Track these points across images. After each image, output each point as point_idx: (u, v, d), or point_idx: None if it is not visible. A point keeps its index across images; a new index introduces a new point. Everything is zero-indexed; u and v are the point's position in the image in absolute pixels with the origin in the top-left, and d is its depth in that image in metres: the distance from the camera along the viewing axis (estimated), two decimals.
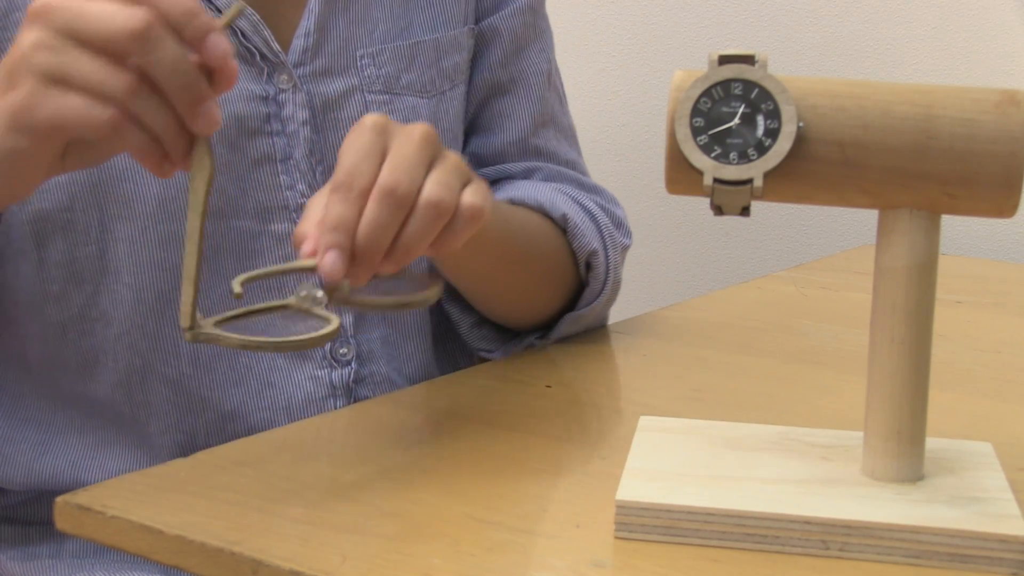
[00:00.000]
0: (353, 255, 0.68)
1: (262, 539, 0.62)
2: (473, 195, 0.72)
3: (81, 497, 0.66)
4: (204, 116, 0.64)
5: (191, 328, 0.67)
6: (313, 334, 0.68)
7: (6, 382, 0.90)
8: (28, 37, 0.63)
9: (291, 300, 0.71)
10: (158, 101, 0.63)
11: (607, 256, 0.96)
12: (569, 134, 1.07)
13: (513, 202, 0.95)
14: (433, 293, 0.74)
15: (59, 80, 0.63)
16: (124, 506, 0.65)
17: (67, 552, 0.89)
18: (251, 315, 0.72)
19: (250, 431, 0.88)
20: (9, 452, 0.89)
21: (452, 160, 0.72)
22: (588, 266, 0.96)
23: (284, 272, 0.76)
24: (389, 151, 0.70)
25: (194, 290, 0.67)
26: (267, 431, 0.78)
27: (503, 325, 0.99)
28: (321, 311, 0.70)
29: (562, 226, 0.95)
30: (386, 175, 0.69)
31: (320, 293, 0.70)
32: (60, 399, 0.89)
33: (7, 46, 0.84)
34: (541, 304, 0.96)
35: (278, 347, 0.67)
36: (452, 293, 0.98)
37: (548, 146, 1.03)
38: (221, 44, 0.64)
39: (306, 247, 0.69)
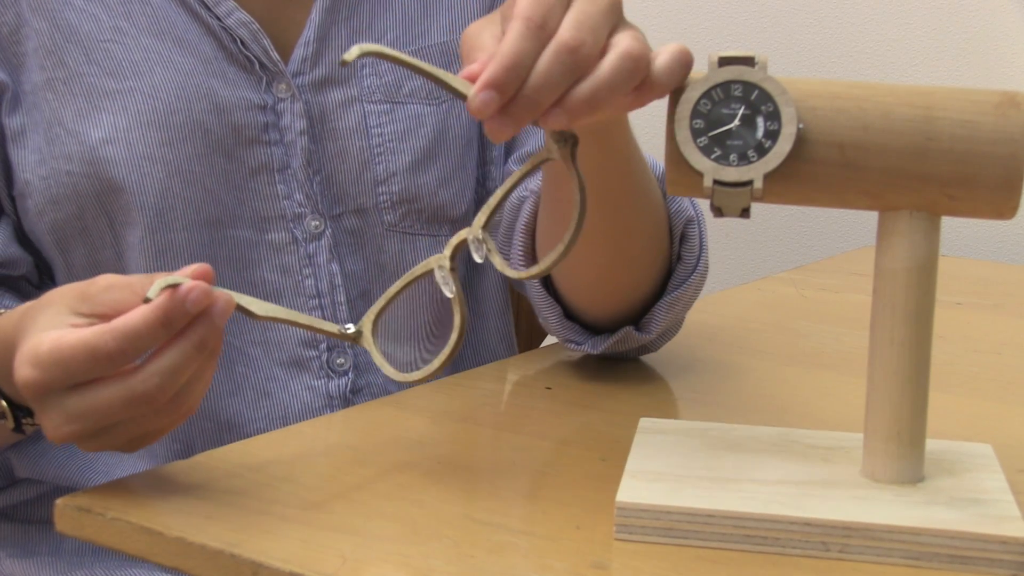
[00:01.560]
0: (510, 101, 0.60)
1: (262, 541, 0.62)
2: (669, 55, 0.64)
3: (81, 499, 0.66)
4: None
5: (356, 335, 0.70)
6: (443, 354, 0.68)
7: None
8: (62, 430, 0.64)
9: (432, 266, 0.69)
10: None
11: (701, 229, 0.88)
12: None
13: None
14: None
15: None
16: (124, 508, 0.65)
17: (66, 550, 0.89)
18: (398, 296, 0.72)
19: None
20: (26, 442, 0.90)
21: (636, 30, 0.65)
22: (682, 237, 0.88)
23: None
24: (572, 5, 0.62)
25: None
26: (267, 433, 0.78)
27: (586, 317, 0.90)
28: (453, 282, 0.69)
29: (663, 187, 0.87)
30: (571, 30, 0.60)
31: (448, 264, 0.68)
32: None
33: (23, 60, 0.85)
34: (636, 270, 0.87)
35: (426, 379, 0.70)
36: (545, 282, 0.90)
37: None
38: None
39: (473, 67, 0.61)
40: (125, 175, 0.84)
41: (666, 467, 0.67)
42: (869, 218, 0.65)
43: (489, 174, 1.00)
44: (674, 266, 0.89)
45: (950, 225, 1.20)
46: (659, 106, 0.65)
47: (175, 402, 0.63)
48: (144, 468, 0.88)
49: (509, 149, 1.00)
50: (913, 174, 0.62)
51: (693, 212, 0.88)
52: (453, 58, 0.95)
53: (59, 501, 0.66)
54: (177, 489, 0.68)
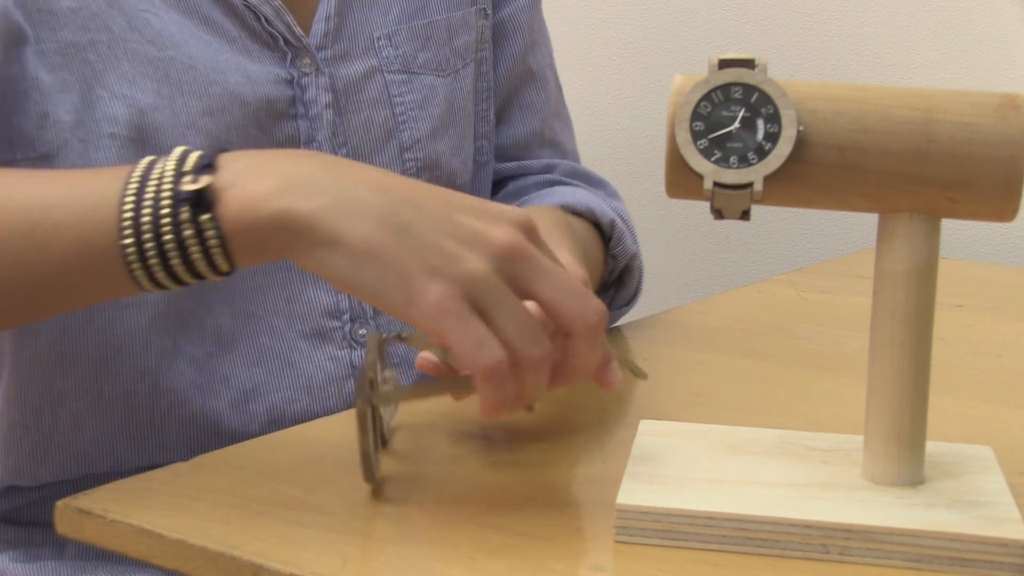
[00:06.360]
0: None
1: (262, 543, 0.62)
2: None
3: (81, 501, 0.66)
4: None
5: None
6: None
7: (51, 385, 0.90)
8: (478, 264, 0.62)
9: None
10: (545, 378, 0.64)
11: (640, 262, 1.00)
12: (568, 122, 1.12)
13: (566, 207, 0.97)
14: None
15: (481, 311, 0.62)
16: (124, 510, 0.65)
17: (69, 554, 0.89)
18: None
19: (271, 410, 0.89)
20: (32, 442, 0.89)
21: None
22: (626, 268, 1.00)
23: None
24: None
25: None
26: (266, 435, 0.78)
27: None
28: None
29: (609, 232, 0.98)
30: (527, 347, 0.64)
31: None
32: (95, 396, 0.89)
33: (47, 18, 0.84)
34: None
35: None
36: None
37: (557, 136, 1.08)
38: (617, 374, 0.70)
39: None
40: (171, 142, 0.85)
41: (666, 469, 0.67)
42: (869, 220, 0.65)
43: (482, 149, 1.05)
44: (612, 287, 1.00)
45: (950, 227, 1.19)
46: (658, 108, 0.65)
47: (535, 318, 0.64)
48: (152, 462, 0.88)
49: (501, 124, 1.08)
50: (913, 176, 0.62)
51: (636, 248, 1.00)
52: (453, 32, 1.00)
53: (59, 503, 0.66)
54: (177, 491, 0.68)
